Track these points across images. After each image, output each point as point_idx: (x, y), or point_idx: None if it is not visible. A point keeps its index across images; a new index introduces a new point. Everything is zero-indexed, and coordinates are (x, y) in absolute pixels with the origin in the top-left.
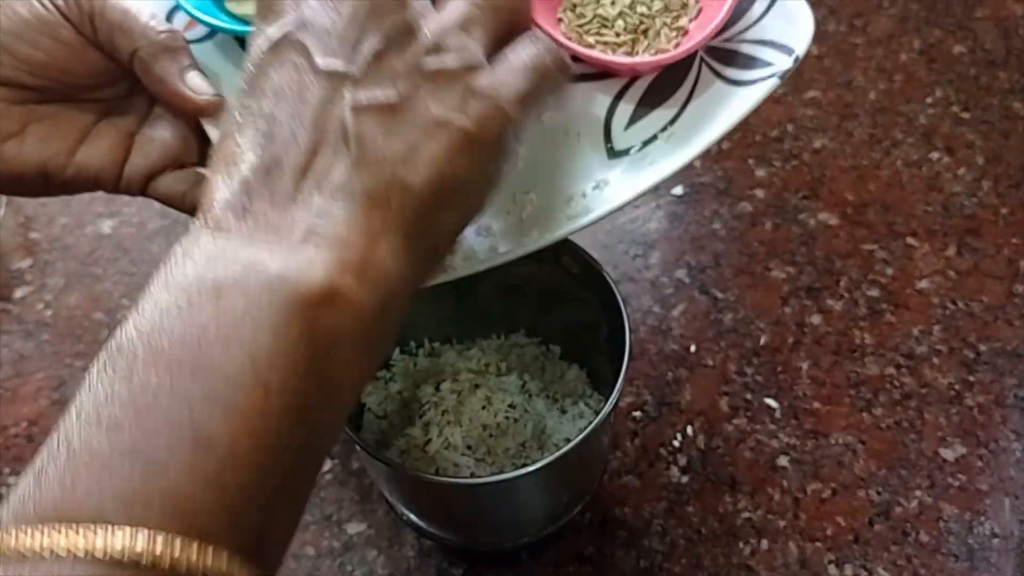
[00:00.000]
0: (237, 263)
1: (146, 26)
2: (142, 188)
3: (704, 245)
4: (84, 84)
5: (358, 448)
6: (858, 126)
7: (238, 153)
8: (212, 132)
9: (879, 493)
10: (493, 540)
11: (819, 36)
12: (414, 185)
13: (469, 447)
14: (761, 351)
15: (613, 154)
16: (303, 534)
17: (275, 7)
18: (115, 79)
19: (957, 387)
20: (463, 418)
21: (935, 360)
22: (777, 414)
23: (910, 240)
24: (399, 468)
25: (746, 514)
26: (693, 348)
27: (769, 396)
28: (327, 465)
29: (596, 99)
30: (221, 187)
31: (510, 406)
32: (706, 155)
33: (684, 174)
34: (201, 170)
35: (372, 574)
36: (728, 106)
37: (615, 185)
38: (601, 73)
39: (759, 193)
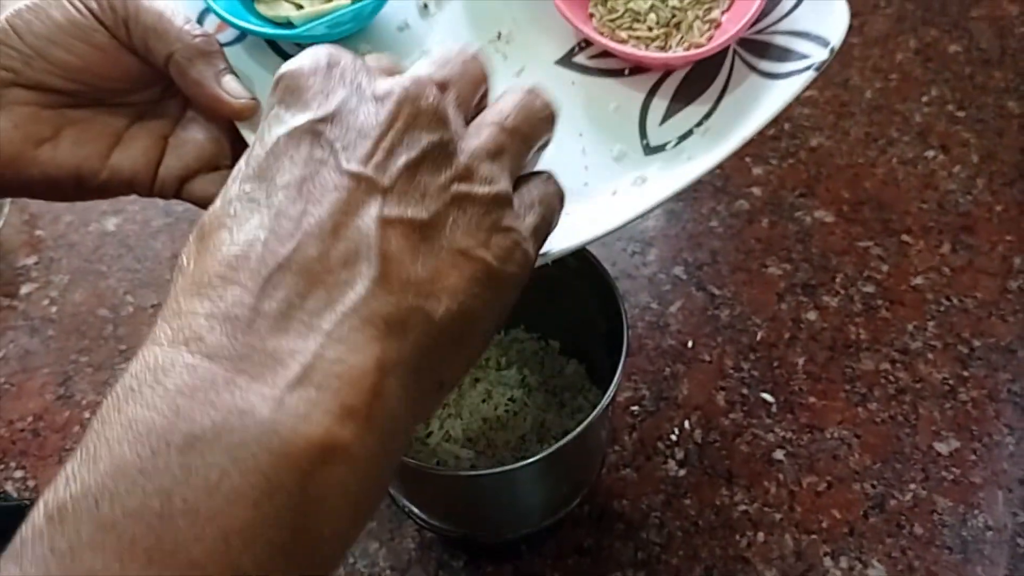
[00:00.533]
0: (217, 407)
1: (181, 30)
2: (176, 191)
3: (701, 242)
4: (117, 88)
5: None
6: (854, 125)
7: (234, 251)
8: (248, 135)
9: (874, 486)
10: (493, 531)
11: None
12: (434, 314)
13: (470, 440)
14: (757, 347)
15: (649, 150)
16: None
17: (302, 92)
18: (148, 83)
19: (951, 382)
20: (463, 411)
21: (929, 355)
22: (773, 408)
23: (905, 237)
24: (403, 461)
25: (742, 507)
26: (690, 344)
27: (765, 391)
28: None
29: (630, 95)
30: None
31: (510, 400)
32: None
33: None
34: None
35: (374, 566)
36: (764, 99)
37: (654, 181)
38: (634, 68)
39: (756, 191)
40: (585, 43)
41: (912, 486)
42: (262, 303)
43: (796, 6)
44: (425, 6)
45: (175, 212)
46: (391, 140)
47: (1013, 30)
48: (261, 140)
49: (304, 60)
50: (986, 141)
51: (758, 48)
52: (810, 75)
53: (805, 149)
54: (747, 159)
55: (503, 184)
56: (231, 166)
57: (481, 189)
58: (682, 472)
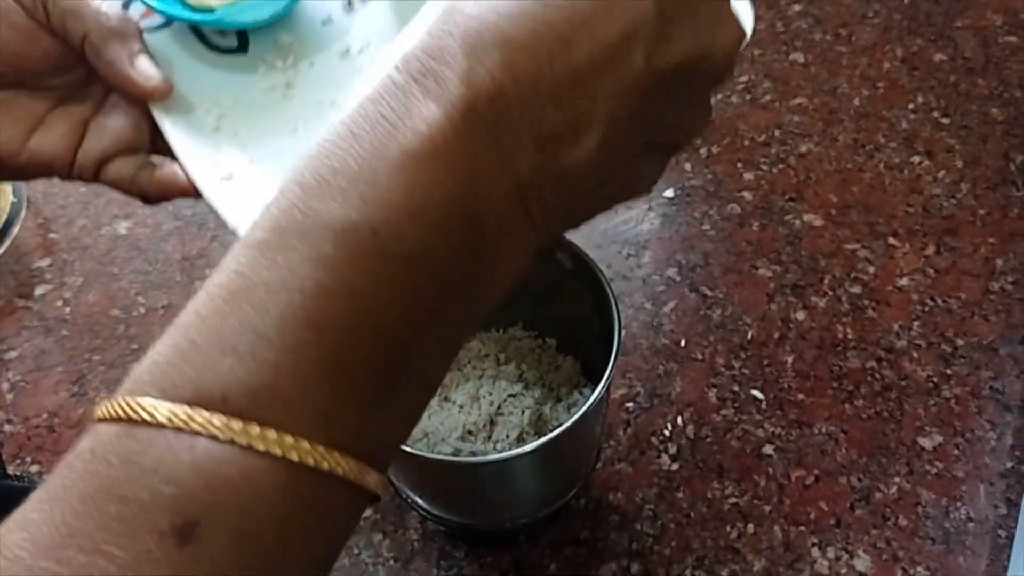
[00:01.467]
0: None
1: (98, 11)
2: (94, 174)
3: (694, 245)
4: (38, 69)
5: None
6: (842, 131)
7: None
8: (160, 118)
9: (860, 480)
10: (493, 520)
11: (805, 45)
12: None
13: (470, 432)
14: (748, 345)
15: None
16: None
17: None
18: (70, 66)
19: (935, 379)
20: (464, 405)
21: (914, 354)
22: (763, 405)
23: (891, 240)
24: (406, 451)
25: (733, 499)
26: (683, 343)
27: (755, 388)
28: None
29: None
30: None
31: (509, 395)
32: (696, 158)
33: (675, 177)
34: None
35: (378, 556)
36: None
37: None
38: None
39: (747, 195)
40: None
41: (897, 479)
42: None
43: None
44: (349, 2)
45: (184, 216)
46: None
47: (997, 39)
48: None
49: None
50: (970, 147)
51: None
52: None
53: (795, 155)
54: (738, 164)
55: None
56: (149, 151)
57: None
58: (675, 466)
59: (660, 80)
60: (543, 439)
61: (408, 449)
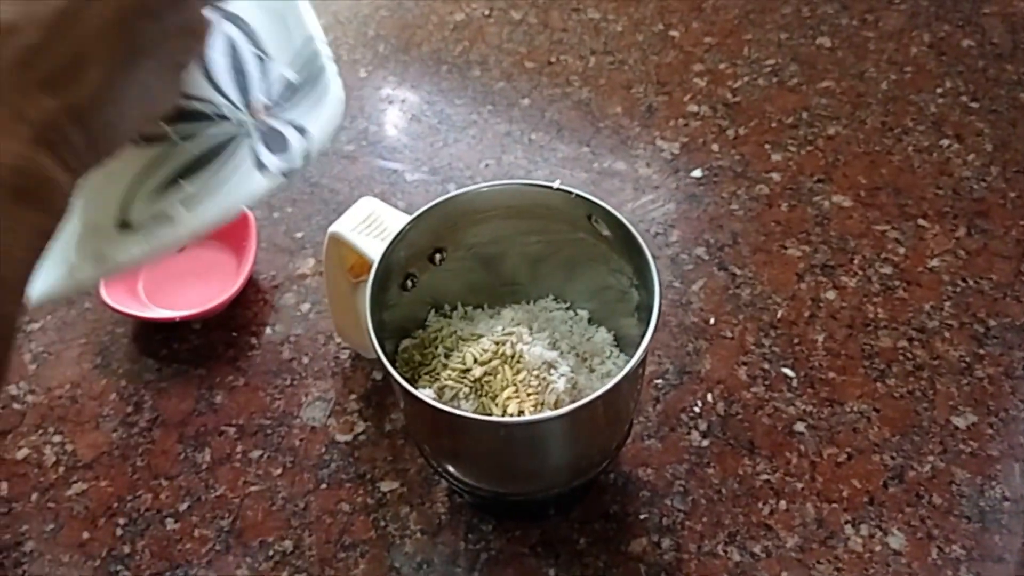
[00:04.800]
0: None
1: None
2: None
3: (722, 224)
4: None
5: (399, 394)
6: (871, 114)
7: None
8: None
9: (893, 458)
10: (523, 490)
11: (832, 29)
12: None
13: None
14: (778, 324)
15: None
16: (338, 491)
17: None
18: None
19: (967, 359)
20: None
21: (946, 334)
22: (794, 383)
23: (921, 221)
24: (442, 409)
25: (764, 476)
26: (712, 321)
27: (786, 366)
28: (360, 426)
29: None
30: None
31: (545, 362)
32: (723, 139)
33: (702, 158)
34: None
35: (404, 528)
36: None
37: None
38: None
39: (775, 176)
40: None
41: (930, 458)
42: None
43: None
44: None
45: None
46: None
47: None
48: None
49: None
50: (1000, 131)
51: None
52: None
53: (823, 137)
54: (766, 146)
55: None
56: None
57: None
58: (705, 442)
59: (140, 5)
60: (580, 401)
61: (443, 407)
